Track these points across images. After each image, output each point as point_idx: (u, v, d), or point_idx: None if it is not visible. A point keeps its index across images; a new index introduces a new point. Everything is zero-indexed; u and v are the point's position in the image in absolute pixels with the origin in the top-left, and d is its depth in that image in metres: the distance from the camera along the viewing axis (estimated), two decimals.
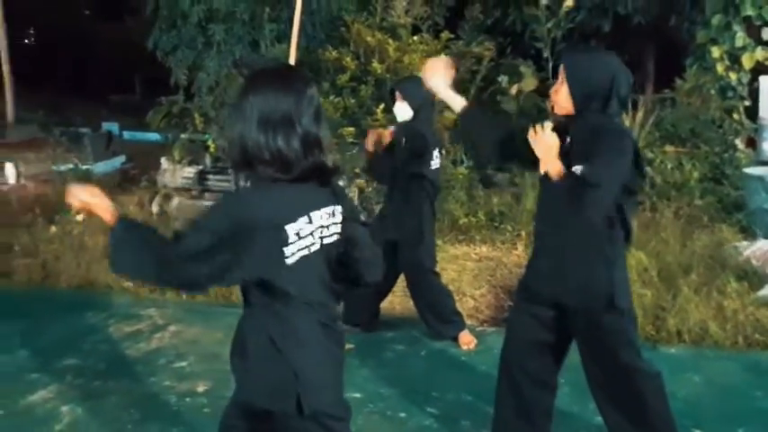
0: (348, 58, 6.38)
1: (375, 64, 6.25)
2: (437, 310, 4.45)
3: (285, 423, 1.98)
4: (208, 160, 7.44)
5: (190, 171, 7.72)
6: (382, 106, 6.29)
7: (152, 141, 11.44)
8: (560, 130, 2.72)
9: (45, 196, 8.06)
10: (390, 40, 6.38)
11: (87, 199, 2.00)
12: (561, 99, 2.67)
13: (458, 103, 2.81)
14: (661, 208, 6.87)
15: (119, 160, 10.00)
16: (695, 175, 7.70)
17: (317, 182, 2.00)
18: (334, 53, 6.46)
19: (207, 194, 7.75)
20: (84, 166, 9.02)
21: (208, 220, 1.93)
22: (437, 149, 4.34)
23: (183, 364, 4.26)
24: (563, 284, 2.71)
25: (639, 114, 8.32)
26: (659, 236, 6.41)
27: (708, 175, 7.86)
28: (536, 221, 2.88)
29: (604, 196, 2.46)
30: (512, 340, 2.90)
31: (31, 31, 19.17)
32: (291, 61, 5.78)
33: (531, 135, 2.62)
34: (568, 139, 2.65)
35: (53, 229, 7.05)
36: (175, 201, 7.52)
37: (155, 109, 7.76)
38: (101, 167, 9.42)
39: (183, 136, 8.41)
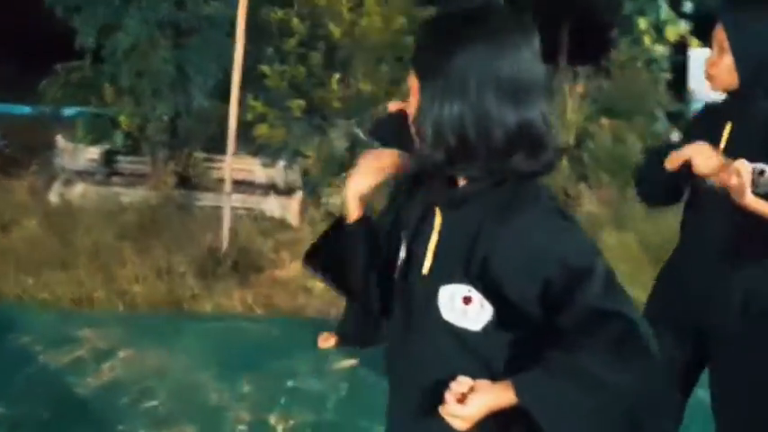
0: (295, 20, 5.51)
1: (331, 27, 5.42)
2: None
3: None
4: (119, 139, 6.32)
5: (94, 152, 6.55)
6: (337, 76, 5.48)
7: (23, 115, 9.97)
8: (719, 111, 2.17)
9: None
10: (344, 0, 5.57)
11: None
12: (722, 73, 2.09)
13: None
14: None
15: None
16: (637, 147, 7.64)
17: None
18: (280, 14, 5.56)
19: (116, 178, 6.63)
20: None
21: (607, 271, 1.23)
22: None
23: (155, 402, 3.33)
24: (715, 297, 2.14)
25: (579, 86, 8.12)
26: (627, 213, 6.19)
27: (644, 149, 7.80)
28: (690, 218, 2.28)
29: None
30: None
31: None
32: (241, 23, 4.84)
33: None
34: (728, 126, 2.10)
35: None
36: (79, 187, 6.35)
37: (49, 79, 6.50)
38: None
39: (68, 111, 7.19)
